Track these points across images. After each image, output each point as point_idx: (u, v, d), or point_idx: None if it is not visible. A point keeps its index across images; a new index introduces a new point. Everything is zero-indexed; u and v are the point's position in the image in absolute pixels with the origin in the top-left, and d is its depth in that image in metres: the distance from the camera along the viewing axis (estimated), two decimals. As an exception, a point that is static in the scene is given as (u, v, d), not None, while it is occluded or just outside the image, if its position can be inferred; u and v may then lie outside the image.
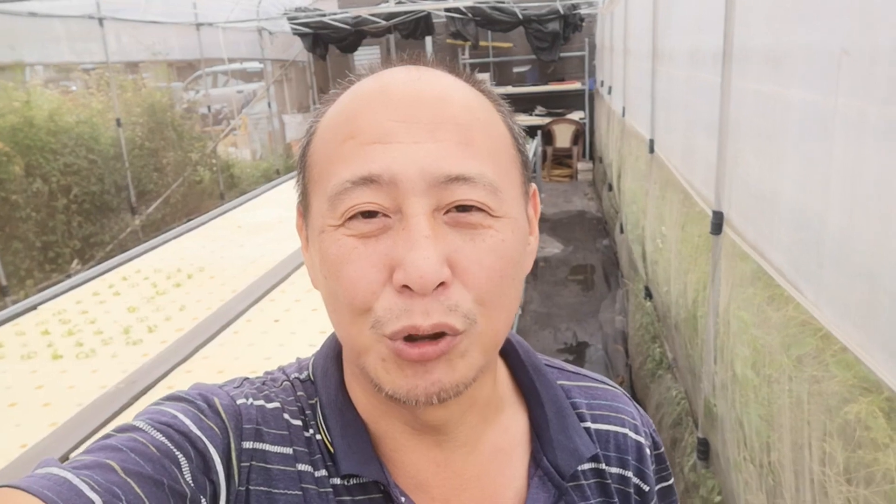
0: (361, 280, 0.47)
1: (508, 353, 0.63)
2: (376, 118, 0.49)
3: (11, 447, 2.29)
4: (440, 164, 0.47)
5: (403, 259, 0.46)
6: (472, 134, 0.50)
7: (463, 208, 0.48)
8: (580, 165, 10.20)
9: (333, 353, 0.60)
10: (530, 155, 0.57)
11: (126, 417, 2.52)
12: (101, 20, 6.52)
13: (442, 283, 0.46)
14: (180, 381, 2.80)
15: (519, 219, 0.52)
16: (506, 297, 0.50)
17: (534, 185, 0.58)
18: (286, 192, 6.59)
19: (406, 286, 0.46)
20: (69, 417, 2.49)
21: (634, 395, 3.88)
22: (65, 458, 2.22)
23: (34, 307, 3.69)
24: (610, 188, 7.42)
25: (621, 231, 5.93)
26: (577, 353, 4.68)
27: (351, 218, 0.48)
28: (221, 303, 3.63)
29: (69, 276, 5.22)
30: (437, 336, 0.47)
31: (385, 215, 0.48)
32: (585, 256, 6.69)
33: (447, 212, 0.48)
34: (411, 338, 0.47)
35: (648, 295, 4.22)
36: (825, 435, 1.56)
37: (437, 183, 0.47)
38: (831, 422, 1.56)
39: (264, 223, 5.33)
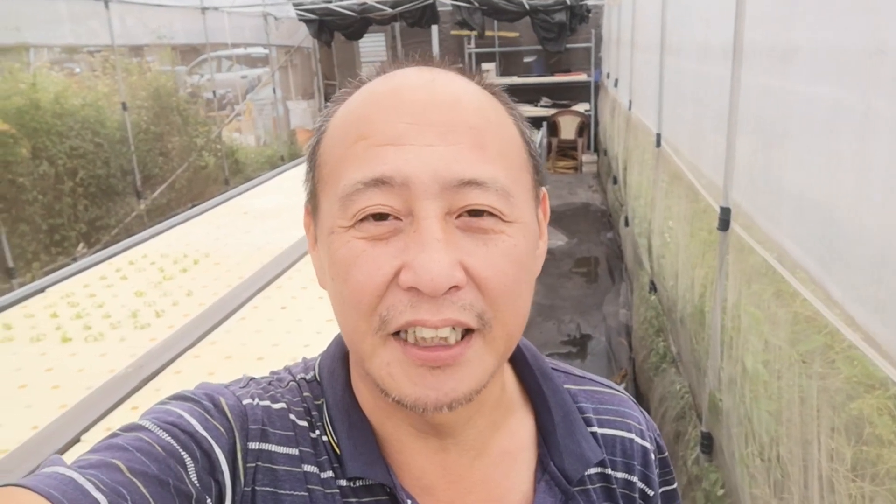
0: (368, 283, 0.47)
1: (516, 357, 0.63)
2: (389, 120, 0.49)
3: (24, 428, 2.31)
4: (453, 168, 0.47)
5: (413, 261, 0.46)
6: (485, 138, 0.49)
7: (475, 213, 0.48)
8: (585, 157, 10.19)
9: (340, 353, 0.59)
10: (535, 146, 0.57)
11: (134, 401, 2.55)
12: (106, 2, 6.49)
13: (455, 287, 0.46)
14: (188, 366, 2.82)
15: (530, 223, 0.52)
16: (519, 301, 0.50)
17: (544, 189, 0.57)
18: (291, 179, 6.59)
19: (414, 287, 0.46)
20: (79, 400, 2.51)
21: (637, 389, 3.90)
22: (76, 441, 2.25)
23: (42, 290, 3.71)
24: (615, 181, 7.41)
25: (626, 224, 5.94)
26: (580, 345, 4.70)
27: (362, 220, 0.48)
28: (228, 289, 3.65)
29: (75, 260, 5.23)
30: (447, 344, 0.47)
31: (396, 218, 0.47)
32: (590, 249, 6.70)
33: (459, 216, 0.48)
34: (418, 340, 0.47)
35: (653, 289, 4.24)
36: (835, 430, 1.58)
37: (450, 186, 0.47)
38: (838, 417, 1.58)
39: (270, 210, 5.34)
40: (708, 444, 2.60)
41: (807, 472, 1.68)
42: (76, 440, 2.26)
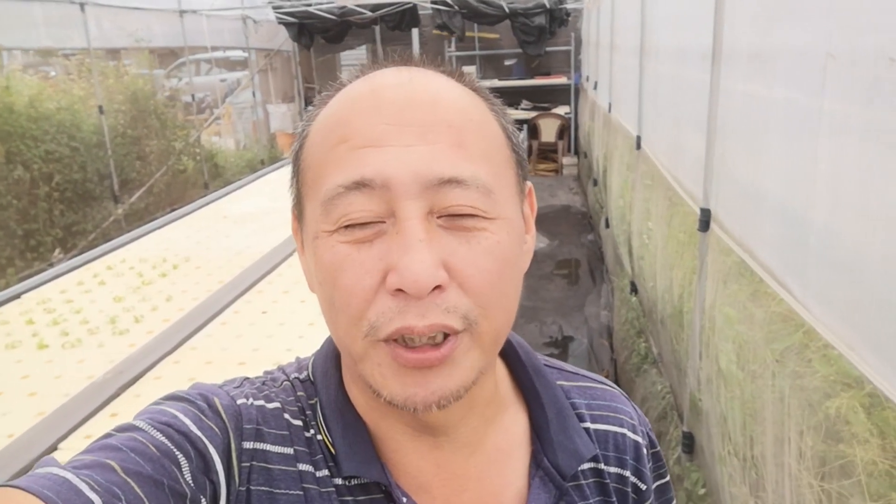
0: (356, 287, 0.47)
1: (508, 353, 0.63)
2: (368, 122, 0.49)
3: (-1, 437, 2.27)
4: (433, 167, 0.47)
5: (398, 263, 0.46)
6: (465, 135, 0.49)
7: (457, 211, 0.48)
8: (565, 160, 10.25)
9: (333, 353, 0.60)
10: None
11: (114, 408, 2.52)
12: (82, 5, 6.41)
13: (438, 287, 0.46)
14: (168, 372, 2.79)
15: (514, 219, 0.52)
16: (504, 297, 0.51)
17: (529, 183, 0.58)
18: (271, 183, 6.55)
19: (400, 290, 0.46)
20: (56, 407, 2.47)
21: (618, 389, 3.92)
22: (53, 448, 2.22)
23: (18, 296, 3.65)
24: (595, 183, 7.46)
25: (606, 226, 5.98)
26: (562, 347, 4.73)
27: (345, 225, 0.48)
28: (208, 294, 3.62)
29: (51, 265, 5.15)
30: (435, 344, 0.47)
31: (379, 221, 0.48)
32: (571, 251, 6.74)
33: (441, 215, 0.48)
34: (407, 342, 0.47)
35: (634, 290, 4.27)
36: (807, 429, 1.61)
37: (431, 186, 0.47)
38: (813, 416, 1.60)
39: (250, 214, 5.31)
40: (689, 443, 2.63)
41: (780, 470, 1.71)
42: (54, 448, 2.23)
